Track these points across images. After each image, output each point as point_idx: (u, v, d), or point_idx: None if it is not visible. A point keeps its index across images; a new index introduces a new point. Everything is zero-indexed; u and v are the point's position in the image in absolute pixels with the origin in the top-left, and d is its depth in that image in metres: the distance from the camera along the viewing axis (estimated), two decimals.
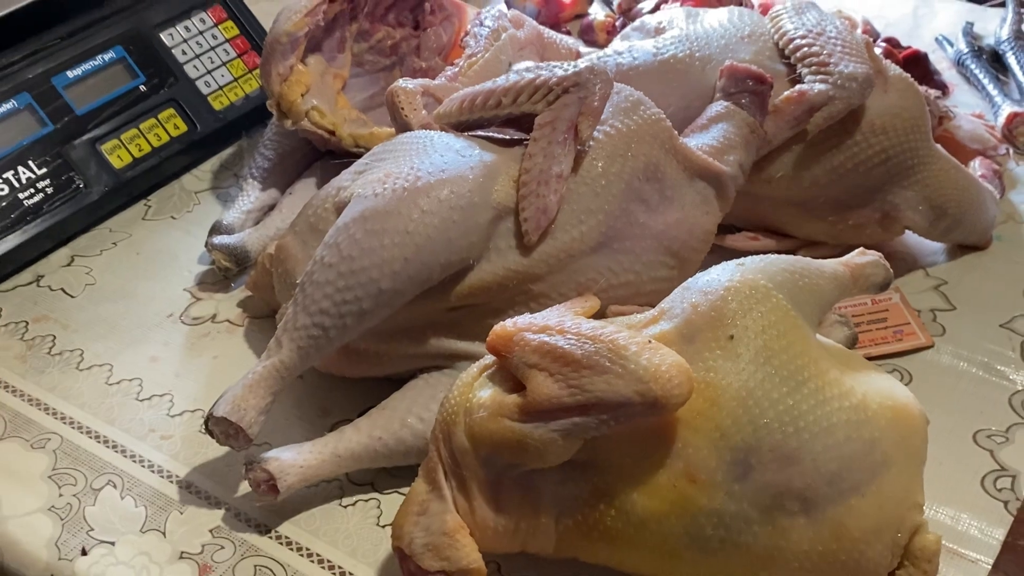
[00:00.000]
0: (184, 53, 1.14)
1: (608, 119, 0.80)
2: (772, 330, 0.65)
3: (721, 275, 0.68)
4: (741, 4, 1.14)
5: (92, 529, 0.76)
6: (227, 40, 1.17)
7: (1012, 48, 1.26)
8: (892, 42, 1.24)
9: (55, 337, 0.92)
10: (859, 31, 1.22)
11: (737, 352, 0.63)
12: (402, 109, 0.89)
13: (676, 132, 0.84)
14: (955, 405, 0.84)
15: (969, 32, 1.32)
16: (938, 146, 0.96)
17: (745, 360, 0.63)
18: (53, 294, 0.98)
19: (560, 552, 0.66)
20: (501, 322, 0.67)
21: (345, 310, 0.73)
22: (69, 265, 1.01)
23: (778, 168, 0.93)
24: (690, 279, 0.70)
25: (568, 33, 1.33)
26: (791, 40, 0.93)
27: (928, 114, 0.95)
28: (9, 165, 1.00)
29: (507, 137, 0.82)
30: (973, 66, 1.26)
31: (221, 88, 1.15)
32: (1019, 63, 1.24)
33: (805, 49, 0.92)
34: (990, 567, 0.72)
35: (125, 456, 0.81)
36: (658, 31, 1.01)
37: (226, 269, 0.96)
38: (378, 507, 0.77)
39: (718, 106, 0.90)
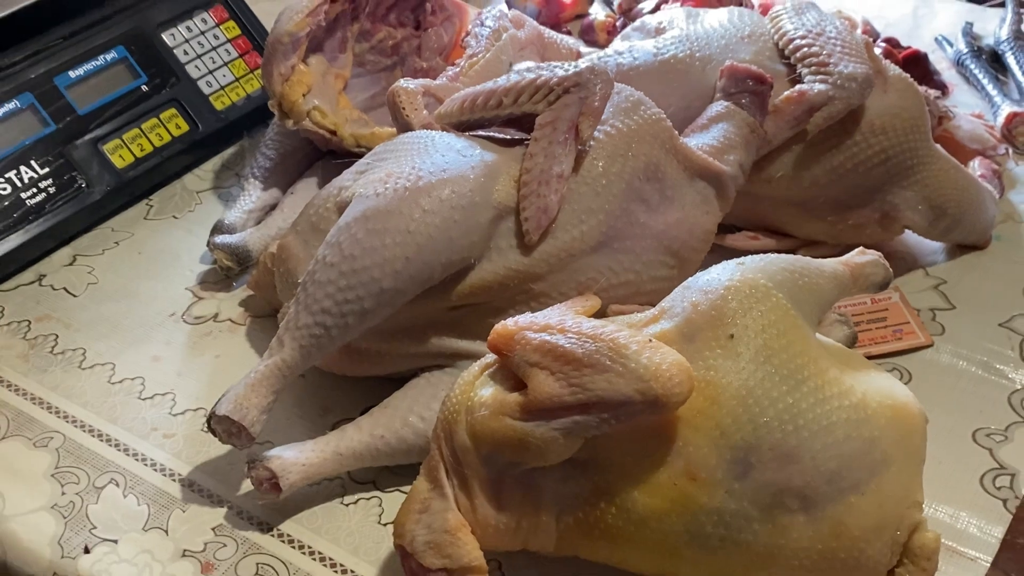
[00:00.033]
0: (186, 53, 1.14)
1: (609, 119, 0.81)
2: (772, 329, 0.65)
3: (721, 274, 0.68)
4: (741, 4, 1.14)
5: (95, 527, 0.76)
6: (229, 40, 1.18)
7: (1011, 48, 1.26)
8: (892, 42, 1.24)
9: (58, 336, 0.93)
10: (859, 31, 1.23)
11: (737, 351, 0.64)
12: (403, 109, 0.89)
13: (676, 132, 0.85)
14: (954, 404, 0.84)
15: (968, 32, 1.32)
16: (938, 146, 0.97)
17: (745, 359, 0.63)
18: (55, 293, 0.98)
19: (561, 550, 0.66)
20: (502, 321, 0.67)
21: (347, 309, 0.73)
22: (71, 264, 1.01)
23: (778, 168, 0.93)
24: (690, 278, 0.70)
25: (569, 33, 1.34)
26: (791, 40, 0.93)
27: (928, 114, 0.95)
28: (11, 165, 1.00)
29: (508, 137, 0.82)
30: (973, 66, 1.26)
31: (223, 88, 1.15)
32: (1018, 63, 1.24)
33: (805, 49, 0.92)
34: (989, 565, 0.73)
35: (127, 455, 0.82)
36: (658, 31, 1.01)
37: (228, 268, 0.96)
38: (380, 505, 0.77)
39: (718, 106, 0.90)
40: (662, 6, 1.22)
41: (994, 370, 0.87)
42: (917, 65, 1.19)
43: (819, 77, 0.90)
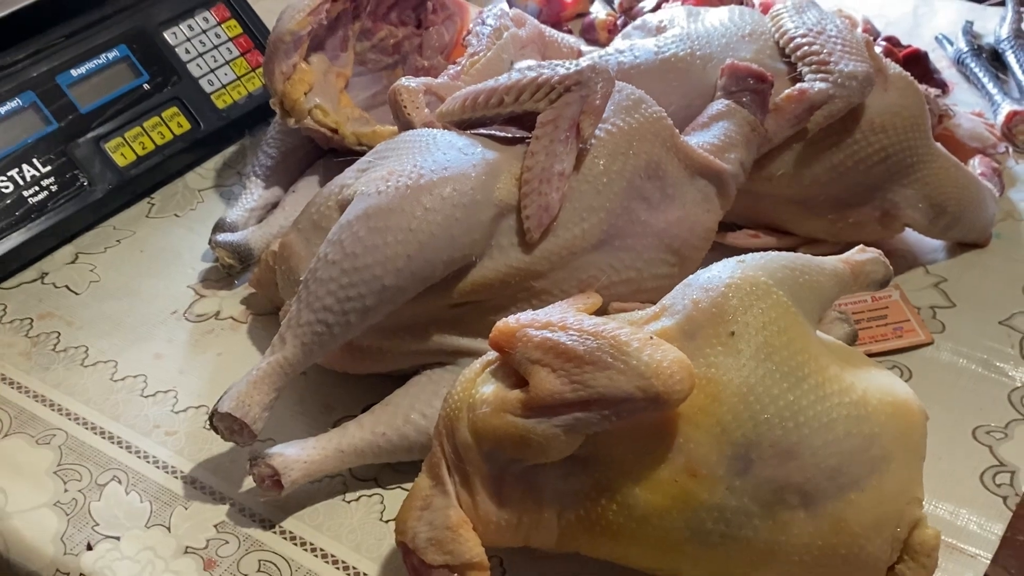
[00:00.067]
0: (187, 52, 1.14)
1: (610, 117, 0.81)
2: (773, 326, 0.65)
3: (722, 272, 0.68)
4: (742, 3, 1.14)
5: (97, 524, 0.76)
6: (230, 39, 1.18)
7: (1012, 47, 1.27)
8: (892, 41, 1.24)
9: (60, 334, 0.93)
10: (859, 30, 1.23)
11: (738, 348, 0.64)
12: (405, 107, 0.89)
13: (677, 130, 0.85)
14: (954, 401, 0.84)
15: (969, 31, 1.32)
16: (938, 144, 0.97)
17: (746, 356, 0.63)
18: (58, 291, 0.98)
19: (562, 546, 0.66)
20: (504, 318, 0.67)
21: (348, 307, 0.73)
22: (73, 262, 1.02)
23: (779, 166, 0.93)
24: (691, 276, 0.70)
25: (569, 32, 1.34)
26: (792, 39, 0.93)
27: (928, 112, 0.95)
28: (14, 163, 1.00)
29: (509, 135, 0.82)
30: (973, 65, 1.26)
31: (224, 86, 1.15)
32: (1019, 62, 1.24)
33: (806, 48, 0.92)
34: (989, 562, 0.73)
35: (130, 452, 0.82)
36: (659, 30, 1.01)
37: (230, 266, 0.97)
38: (381, 502, 0.78)
39: (719, 104, 0.90)
40: (663, 4, 1.22)
41: (994, 368, 0.88)
42: (917, 64, 1.19)
43: (820, 75, 0.90)
